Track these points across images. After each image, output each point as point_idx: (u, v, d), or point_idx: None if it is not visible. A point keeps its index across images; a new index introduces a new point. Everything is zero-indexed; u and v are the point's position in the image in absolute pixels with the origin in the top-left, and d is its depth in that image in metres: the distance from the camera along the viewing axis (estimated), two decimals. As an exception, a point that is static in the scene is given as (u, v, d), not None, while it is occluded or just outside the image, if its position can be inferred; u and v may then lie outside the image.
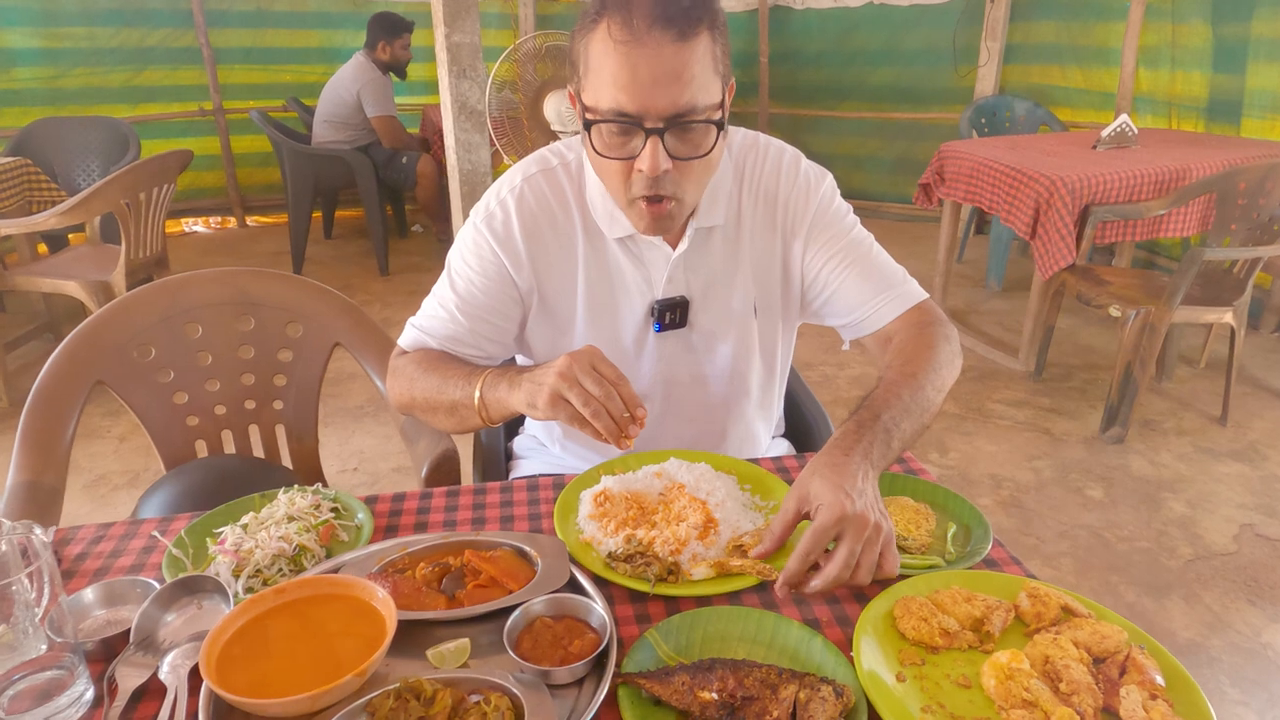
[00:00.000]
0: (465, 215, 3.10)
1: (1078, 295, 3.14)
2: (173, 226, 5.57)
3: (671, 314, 1.20)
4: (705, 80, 0.97)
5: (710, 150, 1.02)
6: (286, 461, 1.65)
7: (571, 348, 1.21)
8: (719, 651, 0.82)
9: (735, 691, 0.74)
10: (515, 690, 0.74)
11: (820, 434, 1.46)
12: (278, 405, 1.62)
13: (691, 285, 1.21)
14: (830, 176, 1.26)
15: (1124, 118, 3.66)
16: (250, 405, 1.61)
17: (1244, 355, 3.04)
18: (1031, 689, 0.75)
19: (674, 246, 1.18)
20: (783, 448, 1.45)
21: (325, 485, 1.72)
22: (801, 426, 1.52)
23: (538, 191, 1.18)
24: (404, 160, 4.64)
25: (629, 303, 1.21)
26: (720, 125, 1.01)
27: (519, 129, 3.74)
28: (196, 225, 5.71)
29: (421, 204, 4.88)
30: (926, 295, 1.23)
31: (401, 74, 4.70)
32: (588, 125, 1.00)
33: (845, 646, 0.83)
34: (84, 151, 4.12)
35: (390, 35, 4.56)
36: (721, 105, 1.01)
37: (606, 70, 0.95)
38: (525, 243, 1.17)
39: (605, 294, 1.20)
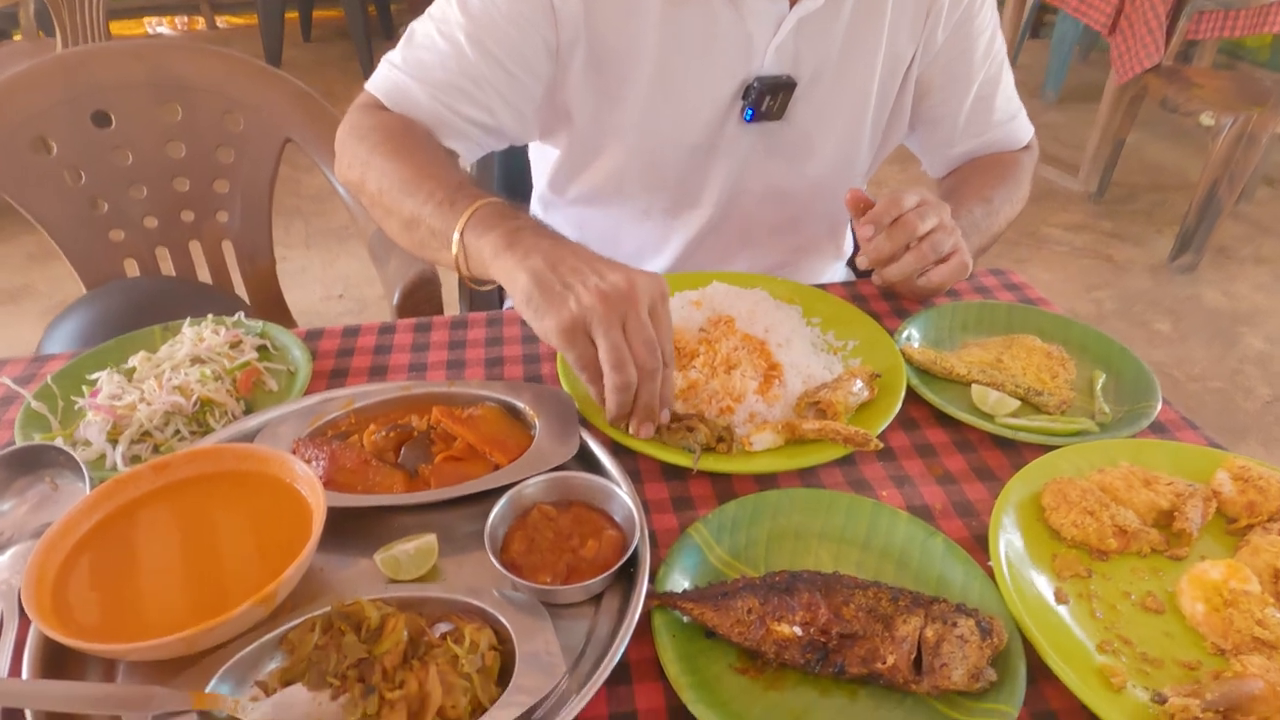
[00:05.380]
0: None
1: (1162, 101, 2.72)
2: (135, 28, 5.04)
3: (771, 99, 0.88)
4: None
5: None
6: (240, 288, 1.37)
7: (623, 124, 0.89)
8: (794, 557, 0.58)
9: (829, 626, 0.50)
10: (501, 618, 0.50)
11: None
12: (222, 217, 1.33)
13: (802, 64, 0.88)
14: None
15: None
16: (188, 217, 1.32)
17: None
18: (1267, 621, 0.51)
19: (791, 3, 0.84)
20: (844, 274, 1.16)
21: (290, 316, 1.50)
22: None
23: None
24: (385, -55, 4.05)
25: (714, 75, 0.87)
26: None
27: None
28: (161, 26, 5.15)
29: (409, -1, 4.32)
30: (1033, 132, 1.06)
31: None
32: None
33: (973, 548, 0.58)
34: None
35: None
36: None
37: None
38: None
39: (684, 57, 0.86)
